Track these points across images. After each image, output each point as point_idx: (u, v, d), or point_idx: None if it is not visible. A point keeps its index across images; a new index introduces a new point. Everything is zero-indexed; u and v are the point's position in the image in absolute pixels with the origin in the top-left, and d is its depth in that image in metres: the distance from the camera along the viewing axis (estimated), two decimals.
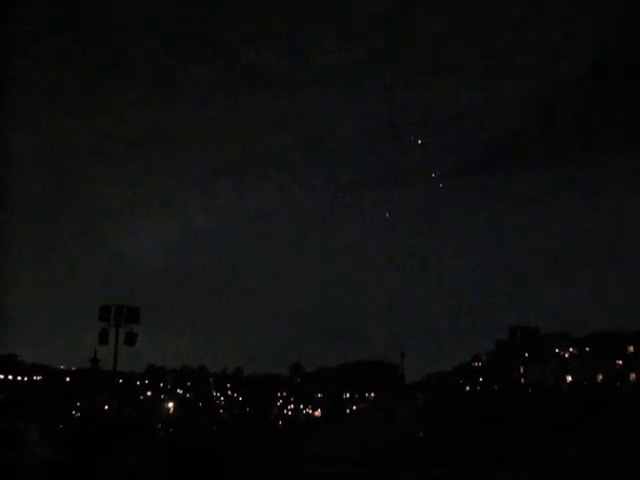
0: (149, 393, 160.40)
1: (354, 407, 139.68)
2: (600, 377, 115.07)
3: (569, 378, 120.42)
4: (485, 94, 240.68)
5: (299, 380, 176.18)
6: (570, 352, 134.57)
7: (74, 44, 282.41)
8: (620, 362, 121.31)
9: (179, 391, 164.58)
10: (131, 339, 35.64)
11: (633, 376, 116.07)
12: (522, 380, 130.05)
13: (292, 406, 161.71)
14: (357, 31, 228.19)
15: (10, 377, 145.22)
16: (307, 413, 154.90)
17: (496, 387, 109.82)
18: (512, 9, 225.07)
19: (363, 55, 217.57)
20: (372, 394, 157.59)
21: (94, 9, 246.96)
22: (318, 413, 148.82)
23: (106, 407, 56.60)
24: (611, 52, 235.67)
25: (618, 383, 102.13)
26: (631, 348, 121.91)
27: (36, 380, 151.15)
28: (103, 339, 35.36)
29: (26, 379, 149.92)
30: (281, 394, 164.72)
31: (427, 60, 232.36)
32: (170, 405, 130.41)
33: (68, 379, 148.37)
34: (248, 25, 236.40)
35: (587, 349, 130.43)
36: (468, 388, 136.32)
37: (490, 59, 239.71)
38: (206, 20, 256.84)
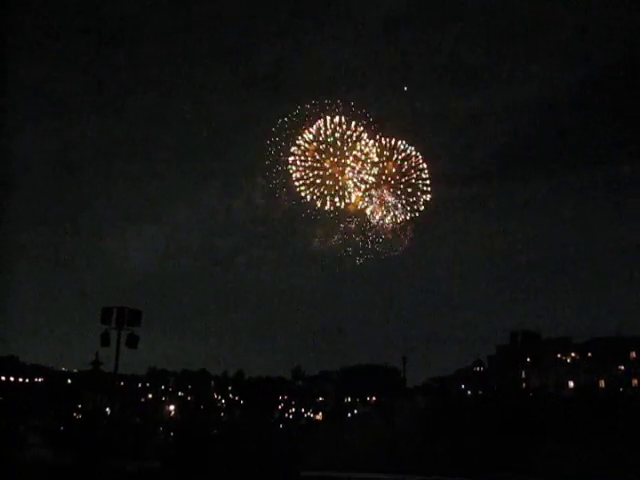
0: (150, 396, 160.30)
1: (355, 410, 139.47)
2: (602, 383, 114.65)
3: (571, 384, 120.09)
4: (497, 98, 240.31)
5: (300, 383, 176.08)
6: (572, 357, 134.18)
7: (80, 45, 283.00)
8: (622, 367, 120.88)
9: (180, 394, 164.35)
10: (132, 341, 35.52)
11: (635, 382, 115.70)
12: (523, 385, 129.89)
13: (293, 409, 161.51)
14: (370, 33, 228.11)
15: (11, 379, 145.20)
16: (308, 416, 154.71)
17: (497, 392, 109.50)
18: (526, 13, 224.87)
19: (375, 57, 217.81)
20: (373, 398, 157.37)
21: (102, 11, 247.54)
22: (319, 416, 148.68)
23: (107, 409, 56.58)
24: (623, 59, 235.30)
25: (620, 389, 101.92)
26: (633, 354, 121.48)
27: (37, 382, 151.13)
28: (105, 341, 35.25)
29: (27, 381, 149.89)
30: (282, 397, 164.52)
31: (439, 63, 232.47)
32: (171, 408, 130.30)
33: (69, 381, 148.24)
34: (253, 28, 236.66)
35: (589, 354, 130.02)
36: (469, 393, 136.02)
37: (503, 63, 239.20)
38: (213, 24, 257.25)
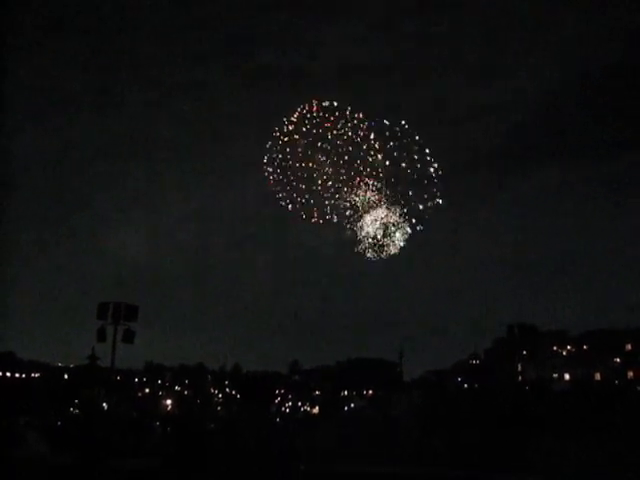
0: (147, 390, 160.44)
1: (352, 404, 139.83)
2: (598, 375, 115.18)
3: (567, 376, 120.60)
4: (497, 93, 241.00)
5: (297, 377, 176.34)
6: (568, 350, 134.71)
7: (80, 45, 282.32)
8: (617, 360, 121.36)
9: (177, 388, 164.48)
10: (129, 336, 35.44)
11: (630, 374, 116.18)
12: (519, 378, 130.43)
13: (290, 403, 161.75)
14: (370, 29, 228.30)
15: (8, 374, 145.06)
16: (305, 410, 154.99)
17: (494, 385, 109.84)
18: (527, 9, 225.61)
19: (375, 53, 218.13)
20: (370, 391, 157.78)
21: (104, 10, 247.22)
22: (316, 410, 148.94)
23: (104, 405, 56.64)
24: (624, 58, 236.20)
25: (616, 381, 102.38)
26: (629, 346, 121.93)
27: (34, 377, 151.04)
28: (101, 336, 35.17)
29: (24, 376, 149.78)
30: (279, 391, 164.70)
31: (439, 58, 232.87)
32: (168, 402, 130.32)
33: (66, 376, 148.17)
34: (257, 25, 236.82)
35: (585, 347, 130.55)
36: (466, 386, 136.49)
37: (503, 58, 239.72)
38: (213, 23, 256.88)
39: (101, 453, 27.90)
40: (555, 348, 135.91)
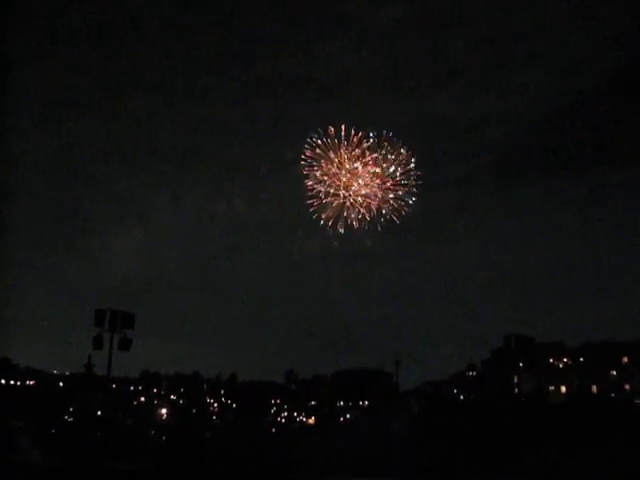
0: (143, 399, 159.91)
1: (348, 415, 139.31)
2: (594, 388, 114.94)
3: (563, 388, 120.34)
4: (499, 105, 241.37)
5: (293, 387, 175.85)
6: (565, 362, 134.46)
7: (81, 46, 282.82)
8: (614, 372, 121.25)
9: (173, 397, 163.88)
10: (125, 344, 35.50)
11: (627, 387, 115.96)
12: (516, 389, 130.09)
13: (286, 413, 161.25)
14: (371, 40, 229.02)
15: (3, 381, 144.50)
16: (301, 420, 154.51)
17: (491, 396, 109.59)
18: (528, 21, 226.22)
19: (376, 64, 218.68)
20: (366, 402, 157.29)
21: (108, 13, 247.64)
22: (312, 421, 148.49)
23: (99, 412, 56.44)
24: (626, 66, 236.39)
25: (612, 394, 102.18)
26: (625, 359, 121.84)
27: (29, 384, 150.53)
28: (97, 344, 35.22)
29: (19, 383, 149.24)
30: (275, 401, 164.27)
31: (442, 69, 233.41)
32: (163, 411, 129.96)
33: (62, 384, 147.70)
34: (258, 35, 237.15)
35: (581, 359, 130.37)
36: (462, 397, 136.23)
37: (505, 70, 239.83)
38: (222, 27, 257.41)
39: (97, 455, 27.83)
40: (552, 360, 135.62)
